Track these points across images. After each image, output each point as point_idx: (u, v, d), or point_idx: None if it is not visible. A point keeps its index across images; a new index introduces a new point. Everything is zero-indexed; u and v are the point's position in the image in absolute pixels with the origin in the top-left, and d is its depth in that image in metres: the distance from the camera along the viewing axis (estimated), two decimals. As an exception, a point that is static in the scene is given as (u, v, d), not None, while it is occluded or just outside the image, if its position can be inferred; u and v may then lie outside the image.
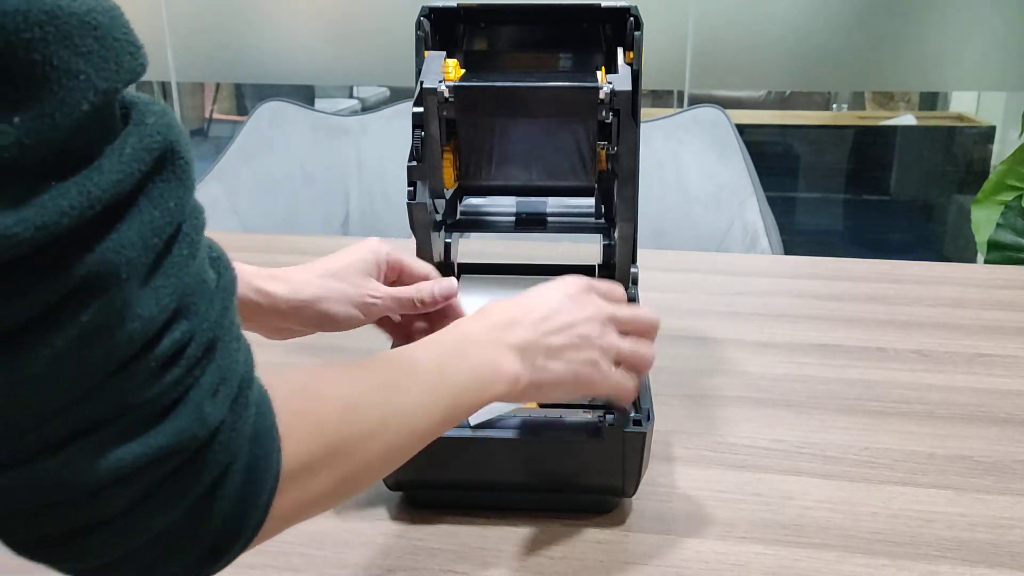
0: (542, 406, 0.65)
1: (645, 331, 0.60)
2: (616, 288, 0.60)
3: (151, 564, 0.33)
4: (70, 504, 0.31)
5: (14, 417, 0.29)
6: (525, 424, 0.63)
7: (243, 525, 0.35)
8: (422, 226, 0.68)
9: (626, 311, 0.59)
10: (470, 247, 0.81)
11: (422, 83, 0.65)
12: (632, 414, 0.63)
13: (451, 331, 0.52)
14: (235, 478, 0.34)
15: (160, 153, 0.30)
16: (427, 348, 0.50)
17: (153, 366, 0.31)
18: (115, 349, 0.29)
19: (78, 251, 0.28)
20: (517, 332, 0.52)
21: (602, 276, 0.78)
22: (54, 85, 0.26)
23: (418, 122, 0.66)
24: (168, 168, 0.31)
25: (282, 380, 0.39)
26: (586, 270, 0.79)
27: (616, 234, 0.71)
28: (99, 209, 0.28)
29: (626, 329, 0.59)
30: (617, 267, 0.73)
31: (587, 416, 0.64)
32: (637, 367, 0.59)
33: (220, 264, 0.35)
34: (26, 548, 0.32)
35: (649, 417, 0.62)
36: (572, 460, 0.62)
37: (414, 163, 0.66)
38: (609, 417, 0.62)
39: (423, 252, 0.70)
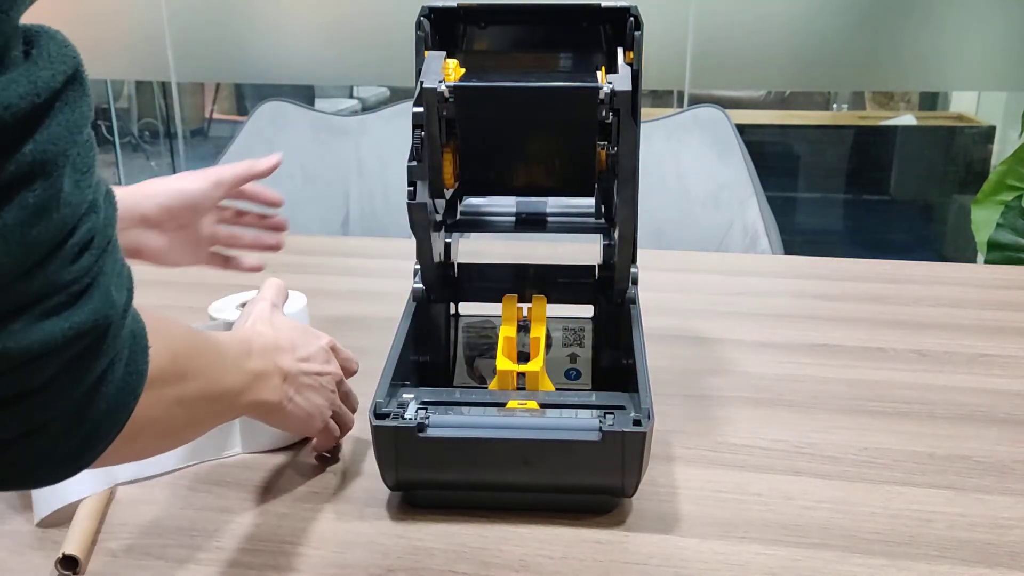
0: (542, 405, 0.65)
1: (351, 403, 0.72)
2: (352, 363, 0.72)
3: (50, 442, 0.37)
4: (5, 373, 0.34)
5: None
6: (526, 425, 0.63)
7: (119, 415, 0.39)
8: (422, 226, 0.68)
9: (342, 356, 0.71)
10: (470, 247, 0.81)
11: (422, 83, 0.65)
12: (632, 414, 0.63)
13: (241, 334, 0.62)
14: (120, 366, 0.38)
15: (74, 65, 0.35)
16: (227, 338, 0.57)
17: (75, 251, 0.35)
18: (51, 229, 0.33)
19: (25, 136, 0.32)
20: (284, 360, 0.62)
21: (602, 276, 0.78)
22: None
23: (418, 122, 0.66)
24: (78, 80, 0.35)
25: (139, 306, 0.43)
26: (586, 270, 0.79)
27: (616, 234, 0.71)
28: (42, 99, 0.32)
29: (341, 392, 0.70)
30: (617, 267, 0.72)
31: (587, 417, 0.63)
32: (344, 425, 0.71)
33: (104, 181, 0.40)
34: None
35: (649, 417, 0.62)
36: (572, 461, 0.62)
37: (414, 163, 0.66)
38: (609, 418, 0.62)
39: (423, 252, 0.70)
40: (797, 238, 2.94)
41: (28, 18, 0.34)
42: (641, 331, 0.73)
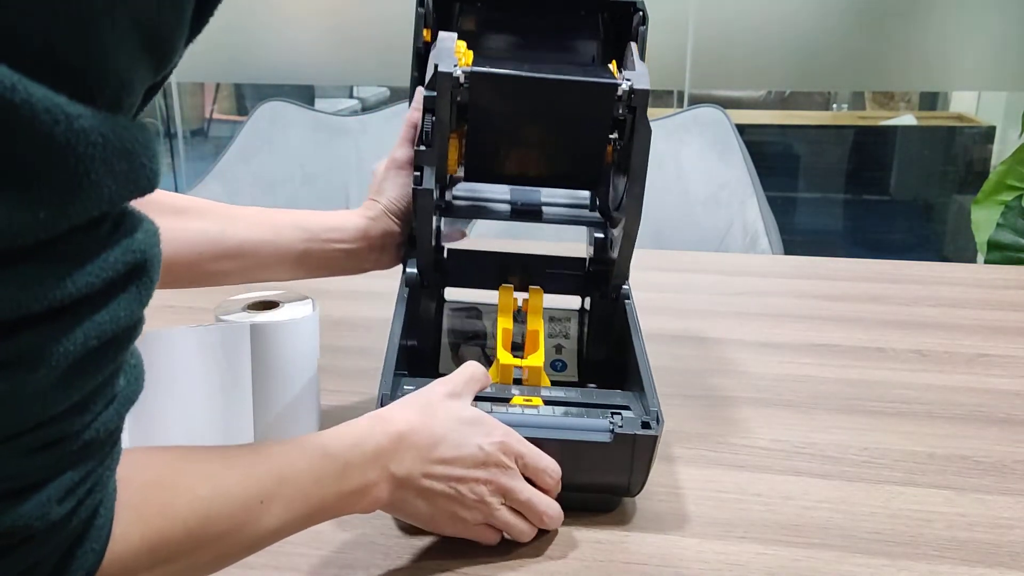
0: (546, 403, 0.65)
1: (534, 511, 0.60)
2: (544, 460, 0.61)
3: None
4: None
5: None
6: (534, 424, 0.62)
7: None
8: (426, 212, 0.67)
9: (527, 451, 0.60)
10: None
11: (437, 66, 0.64)
12: (640, 415, 0.63)
13: (342, 438, 0.53)
14: (45, 569, 0.34)
15: (134, 267, 0.33)
16: (309, 456, 0.50)
17: (32, 447, 0.32)
18: (11, 422, 0.31)
19: (28, 329, 0.29)
20: (405, 463, 0.55)
21: (594, 269, 0.77)
22: (83, 193, 0.29)
23: (430, 106, 0.64)
24: (135, 283, 0.33)
25: (138, 470, 0.39)
26: (577, 262, 0.79)
27: (620, 228, 0.70)
28: (66, 303, 0.30)
29: (522, 495, 0.60)
30: (618, 262, 0.71)
31: (597, 418, 0.63)
32: (517, 536, 0.60)
33: (134, 373, 0.37)
34: None
35: (658, 420, 0.62)
36: (581, 461, 0.62)
37: (423, 148, 0.65)
38: (618, 419, 0.62)
39: (424, 238, 0.69)
40: (797, 238, 2.94)
41: None
42: (639, 329, 0.73)
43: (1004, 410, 0.80)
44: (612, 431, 0.61)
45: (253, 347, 0.69)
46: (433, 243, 0.71)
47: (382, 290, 1.09)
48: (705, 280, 1.15)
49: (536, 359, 0.71)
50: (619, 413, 0.63)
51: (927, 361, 0.90)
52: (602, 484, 0.64)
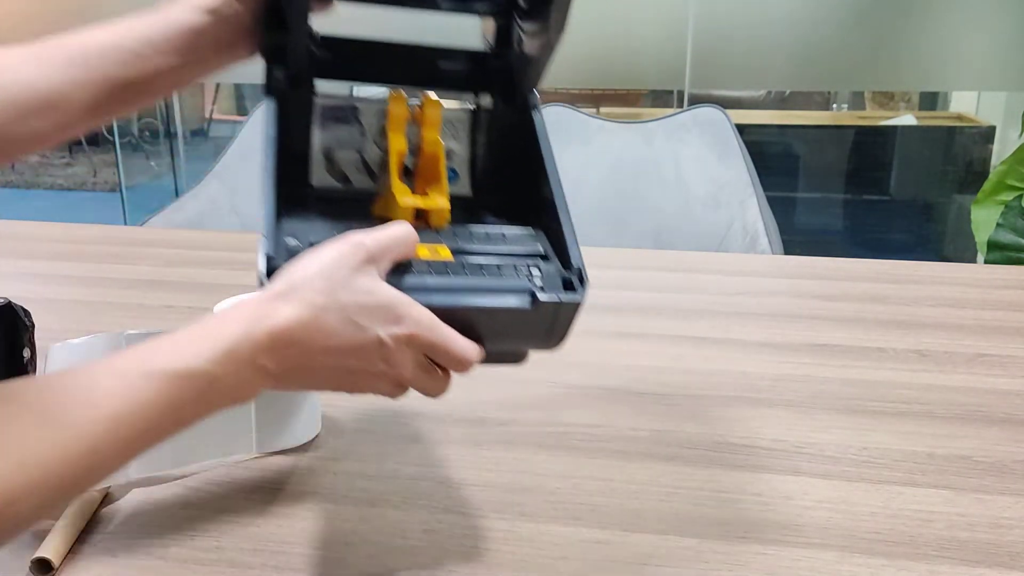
0: (455, 253, 0.57)
1: (453, 367, 0.53)
2: (457, 349, 0.52)
3: None
4: None
5: None
6: (449, 289, 0.54)
7: None
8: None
9: (438, 342, 0.51)
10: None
11: None
12: (563, 274, 0.56)
13: (206, 350, 0.46)
14: None
15: None
16: (158, 388, 0.44)
17: None
18: None
19: None
20: (285, 362, 0.48)
21: (497, 65, 0.65)
22: None
23: None
24: None
25: None
26: (475, 57, 0.66)
27: (540, 24, 0.58)
28: None
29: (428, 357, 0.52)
30: (536, 59, 0.60)
31: (514, 278, 0.56)
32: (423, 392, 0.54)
33: None
34: None
35: (582, 280, 0.55)
36: (497, 330, 0.55)
37: None
38: (537, 277, 0.56)
39: (297, 17, 0.60)
40: (797, 238, 2.95)
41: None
42: (552, 153, 0.61)
43: (1004, 410, 0.80)
44: (533, 297, 0.54)
45: (253, 347, 0.69)
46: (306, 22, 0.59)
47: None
48: (705, 280, 1.15)
49: (440, 198, 0.59)
50: (537, 267, 0.56)
51: (927, 361, 0.90)
52: (514, 351, 0.59)
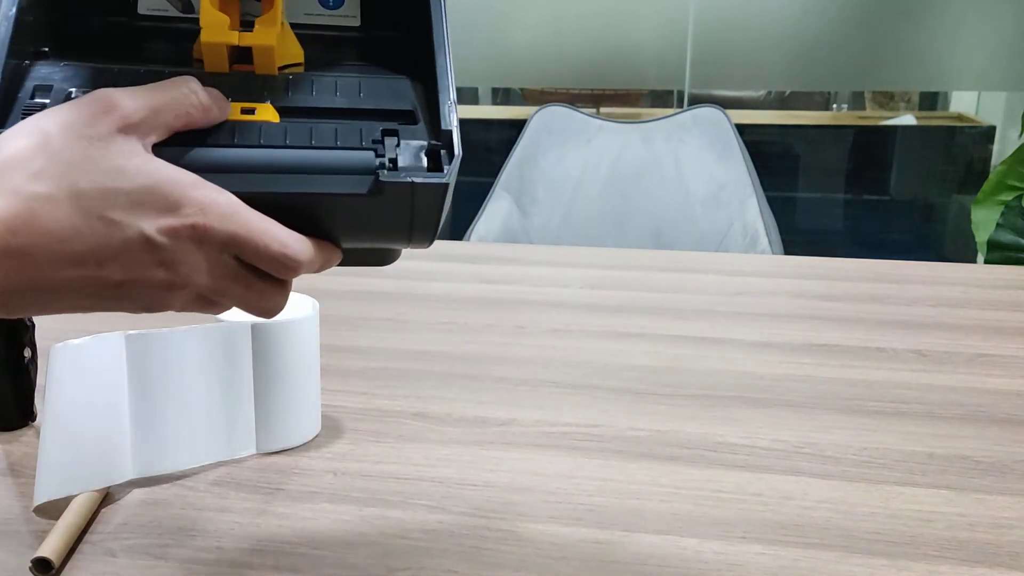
0: (282, 112, 0.41)
1: (272, 268, 0.38)
2: (274, 243, 0.38)
3: None
4: None
5: None
6: (260, 164, 0.39)
7: None
8: None
9: (241, 233, 0.37)
10: None
11: None
12: (428, 141, 0.41)
13: None
14: None
15: None
16: None
17: None
18: None
19: None
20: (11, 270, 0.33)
21: None
22: None
23: None
24: None
25: None
26: None
27: None
28: None
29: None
30: None
31: (358, 148, 0.40)
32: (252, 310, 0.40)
33: None
34: None
35: (452, 152, 0.41)
36: (333, 222, 0.41)
37: None
38: (391, 146, 0.41)
39: None
40: (797, 238, 2.94)
41: None
42: None
43: (1004, 410, 0.80)
44: (376, 176, 0.39)
45: (254, 347, 0.69)
46: None
47: (382, 289, 1.09)
48: (705, 280, 1.15)
49: (268, 31, 0.42)
50: (394, 135, 0.41)
51: (927, 361, 0.90)
52: (365, 250, 0.43)
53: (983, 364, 0.90)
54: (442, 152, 0.41)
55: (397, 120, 0.42)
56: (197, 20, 0.42)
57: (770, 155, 3.10)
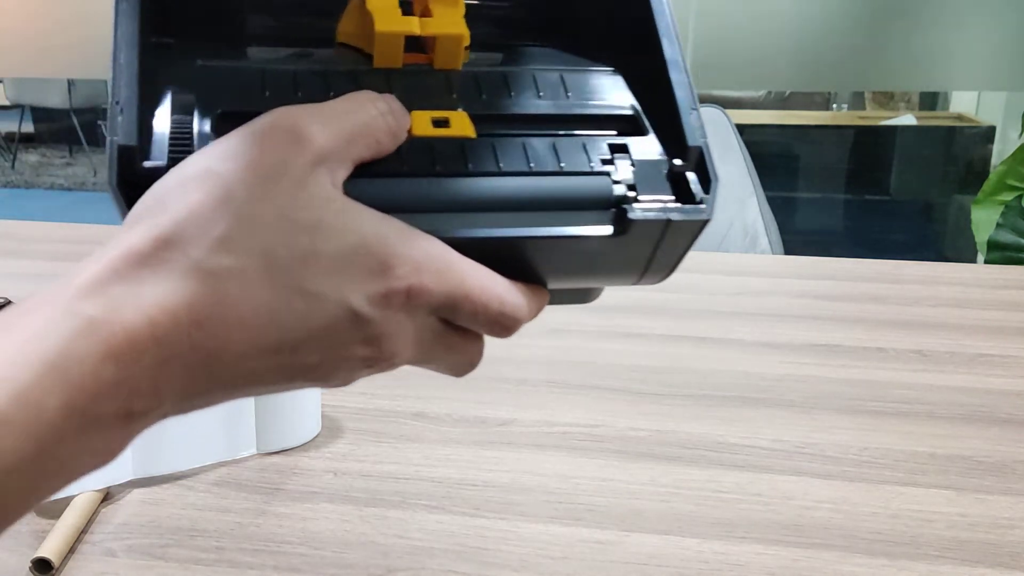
0: (477, 121, 0.32)
1: (488, 330, 0.31)
2: (492, 304, 0.30)
3: None
4: None
5: None
6: (471, 200, 0.30)
7: None
8: None
9: (458, 295, 0.29)
10: None
11: None
12: (671, 162, 0.32)
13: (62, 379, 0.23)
14: None
15: None
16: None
17: None
18: None
19: None
20: (172, 376, 0.26)
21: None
22: None
23: None
24: None
25: None
26: None
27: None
28: None
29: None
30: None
31: (587, 174, 0.32)
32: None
33: None
34: None
35: (708, 178, 0.32)
36: (565, 268, 0.33)
37: None
38: (625, 169, 0.32)
39: None
40: (797, 238, 2.94)
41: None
42: None
43: (1005, 410, 0.80)
44: (621, 212, 0.31)
45: (253, 347, 0.69)
46: None
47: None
48: (705, 280, 1.15)
49: (453, 12, 0.33)
50: (625, 152, 0.32)
51: (927, 361, 0.90)
52: (571, 290, 0.36)
53: (983, 364, 0.90)
54: (690, 175, 0.32)
55: (617, 128, 0.33)
56: None
57: (770, 155, 3.10)
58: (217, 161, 0.27)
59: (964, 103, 3.21)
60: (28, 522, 0.63)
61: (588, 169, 0.32)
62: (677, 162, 0.32)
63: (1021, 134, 2.00)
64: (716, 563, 0.59)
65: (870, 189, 3.14)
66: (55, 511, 0.62)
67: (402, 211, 0.29)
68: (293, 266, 0.26)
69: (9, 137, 5.17)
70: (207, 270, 0.25)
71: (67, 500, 0.63)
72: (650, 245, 0.32)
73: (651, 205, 0.31)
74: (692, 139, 0.32)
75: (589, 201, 0.31)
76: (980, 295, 1.08)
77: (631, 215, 0.30)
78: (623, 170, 0.32)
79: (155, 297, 0.25)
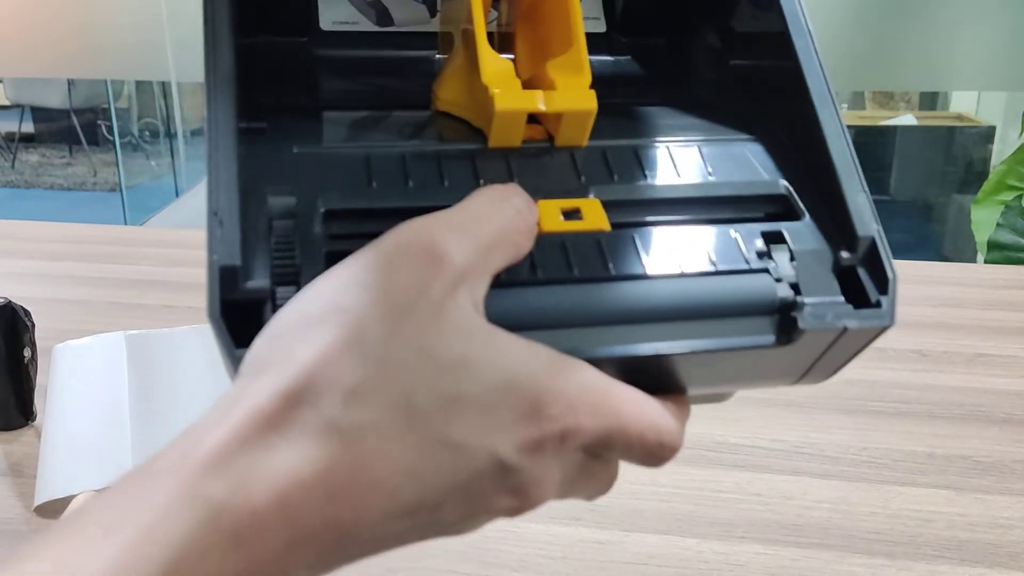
0: (610, 208, 0.28)
1: (642, 461, 0.28)
2: (649, 436, 0.27)
3: None
4: None
5: None
6: (620, 312, 0.26)
7: None
8: None
9: (616, 431, 0.26)
10: None
11: None
12: (838, 254, 0.29)
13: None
14: None
15: None
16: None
17: None
18: None
19: None
20: (305, 551, 0.22)
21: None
22: None
23: None
24: None
25: None
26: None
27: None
28: None
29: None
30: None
31: (741, 271, 0.28)
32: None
33: None
34: None
35: (885, 279, 0.30)
36: (722, 378, 0.33)
37: None
38: (785, 266, 0.28)
39: None
40: (797, 238, 2.94)
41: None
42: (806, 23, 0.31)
43: (1004, 410, 0.80)
44: (790, 320, 0.27)
45: (253, 347, 0.69)
46: None
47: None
48: (705, 280, 1.15)
49: (577, 78, 0.28)
50: (782, 241, 0.28)
51: (927, 361, 0.90)
52: (724, 393, 0.36)
53: (983, 364, 0.90)
54: (861, 270, 0.28)
55: (766, 210, 0.29)
56: (396, 35, 0.31)
57: (770, 155, 3.10)
58: (343, 294, 0.23)
59: (964, 103, 3.21)
60: (28, 522, 0.63)
61: (744, 266, 0.27)
62: (845, 255, 0.28)
63: (1021, 134, 2.00)
64: (716, 563, 0.59)
65: (870, 189, 3.14)
66: (55, 511, 0.62)
67: (540, 328, 0.25)
68: (436, 413, 0.23)
69: (9, 137, 5.17)
70: (340, 428, 0.22)
71: (67, 500, 0.63)
72: (817, 352, 0.28)
73: (822, 311, 0.27)
74: (862, 228, 0.28)
75: (749, 306, 0.27)
76: (979, 295, 1.08)
77: (801, 324, 0.26)
78: (783, 265, 0.27)
79: (287, 466, 0.22)
